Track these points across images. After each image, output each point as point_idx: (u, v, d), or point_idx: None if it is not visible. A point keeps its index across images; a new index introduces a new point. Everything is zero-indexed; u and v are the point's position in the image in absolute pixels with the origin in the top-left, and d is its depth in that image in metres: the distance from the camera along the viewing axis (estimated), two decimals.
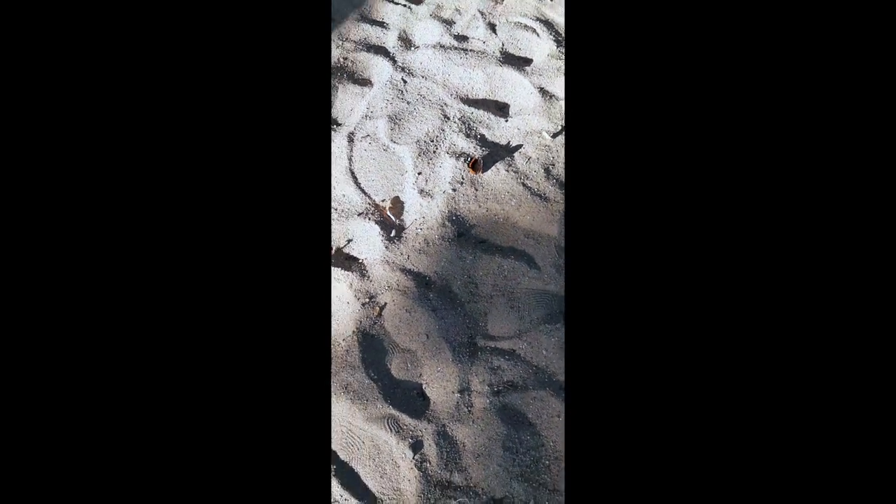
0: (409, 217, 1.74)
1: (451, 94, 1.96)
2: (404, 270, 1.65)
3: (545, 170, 1.78)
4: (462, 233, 1.69)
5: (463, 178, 1.78)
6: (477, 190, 1.76)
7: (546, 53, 2.03)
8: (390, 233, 1.71)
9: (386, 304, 1.61)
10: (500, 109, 1.93)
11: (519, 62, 2.02)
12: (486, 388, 1.48)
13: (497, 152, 1.82)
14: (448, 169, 1.79)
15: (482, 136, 1.86)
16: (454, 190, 1.76)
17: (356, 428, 1.45)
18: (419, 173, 1.80)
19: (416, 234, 1.70)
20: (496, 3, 2.20)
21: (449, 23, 2.15)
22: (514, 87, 1.96)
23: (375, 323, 1.59)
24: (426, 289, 1.62)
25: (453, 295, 1.61)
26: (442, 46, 2.07)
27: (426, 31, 2.14)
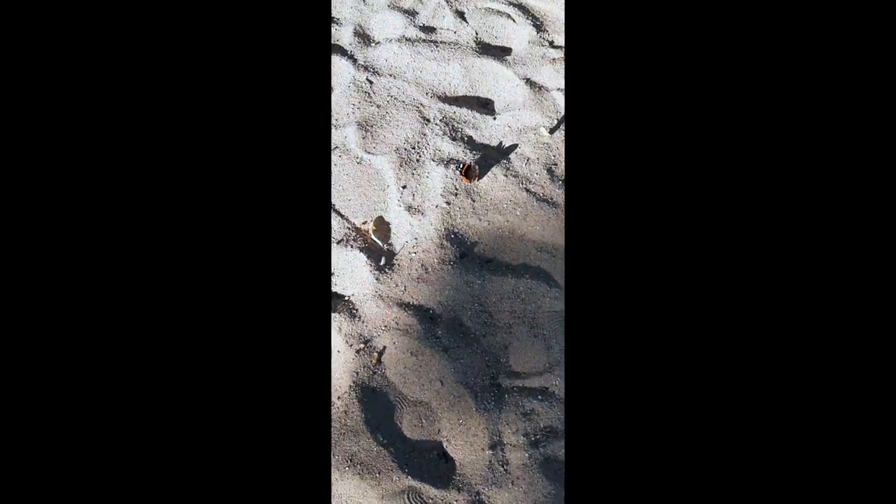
0: (398, 240, 1.47)
1: (427, 92, 1.70)
2: (402, 305, 1.38)
3: (548, 171, 1.55)
4: (465, 253, 1.44)
5: (456, 189, 1.53)
6: (474, 201, 1.51)
7: (526, 40, 1.80)
8: (379, 261, 1.43)
9: (385, 348, 1.33)
10: (485, 106, 1.69)
11: (497, 52, 1.79)
12: (522, 438, 1.23)
13: (490, 155, 1.58)
14: (437, 179, 1.53)
15: (469, 137, 1.61)
16: (448, 203, 1.50)
17: None
18: (404, 187, 1.53)
19: (411, 259, 1.43)
20: None
21: (411, 13, 1.89)
22: (497, 80, 1.73)
23: (375, 373, 1.31)
24: (432, 324, 1.35)
25: (465, 329, 1.35)
26: (407, 40, 1.81)
27: (385, 23, 1.87)
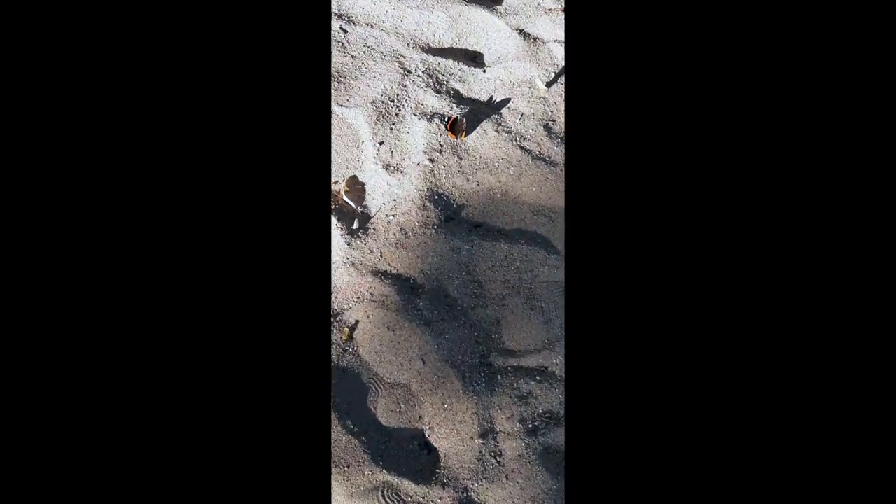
0: (374, 202, 1.28)
1: (408, 43, 1.52)
2: (378, 273, 1.19)
3: (545, 127, 1.38)
4: (450, 216, 1.26)
5: (441, 145, 1.34)
6: (461, 159, 1.33)
7: None
8: (351, 224, 1.25)
9: (358, 322, 1.15)
10: (473, 59, 1.51)
11: (487, 2, 1.61)
12: (517, 425, 1.06)
13: (479, 110, 1.40)
14: (419, 134, 1.35)
15: (456, 91, 1.44)
16: (431, 160, 1.32)
17: None
18: (380, 143, 1.35)
19: (388, 222, 1.25)
20: None
21: None
22: (487, 31, 1.55)
23: (346, 350, 1.12)
24: (412, 295, 1.17)
25: (451, 300, 1.17)
26: None
27: None
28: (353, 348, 1.12)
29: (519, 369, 1.11)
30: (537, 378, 1.10)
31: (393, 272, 1.20)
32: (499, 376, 1.10)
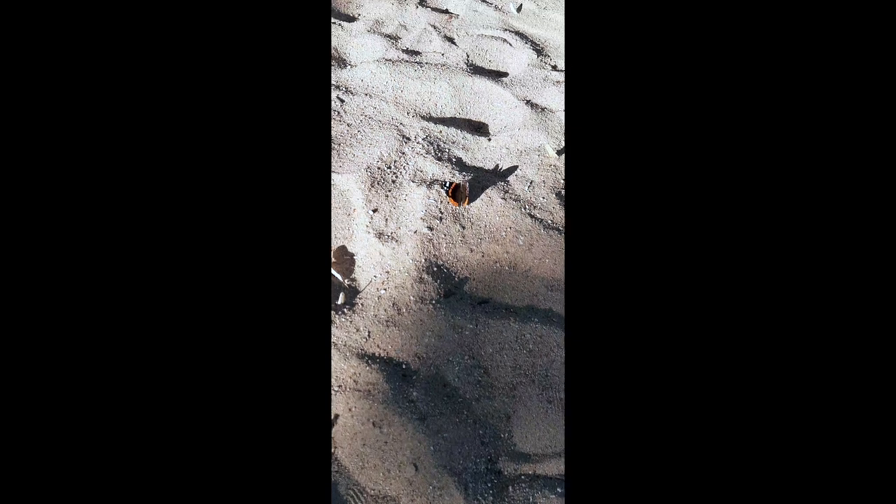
0: (364, 274, 1.12)
1: (408, 112, 1.43)
2: (364, 356, 1.00)
3: (557, 195, 1.24)
4: (451, 290, 1.09)
5: (441, 212, 1.20)
6: (464, 227, 1.18)
7: (525, 63, 1.57)
8: (336, 299, 1.08)
9: (337, 416, 0.94)
10: (477, 130, 1.41)
11: (492, 75, 1.54)
12: None
13: (484, 177, 1.27)
14: (418, 202, 1.21)
15: (458, 158, 1.32)
16: (430, 229, 1.17)
17: None
18: (374, 210, 1.21)
19: (379, 297, 1.08)
20: (449, 17, 1.76)
21: (394, 38, 1.66)
22: (492, 101, 1.46)
23: None
24: (404, 383, 0.97)
25: (451, 390, 0.97)
26: (389, 61, 1.56)
27: (364, 47, 1.64)
28: (332, 447, 0.91)
29: (535, 478, 0.88)
30: (557, 490, 0.87)
31: (382, 355, 1.00)
32: (509, 487, 0.87)
